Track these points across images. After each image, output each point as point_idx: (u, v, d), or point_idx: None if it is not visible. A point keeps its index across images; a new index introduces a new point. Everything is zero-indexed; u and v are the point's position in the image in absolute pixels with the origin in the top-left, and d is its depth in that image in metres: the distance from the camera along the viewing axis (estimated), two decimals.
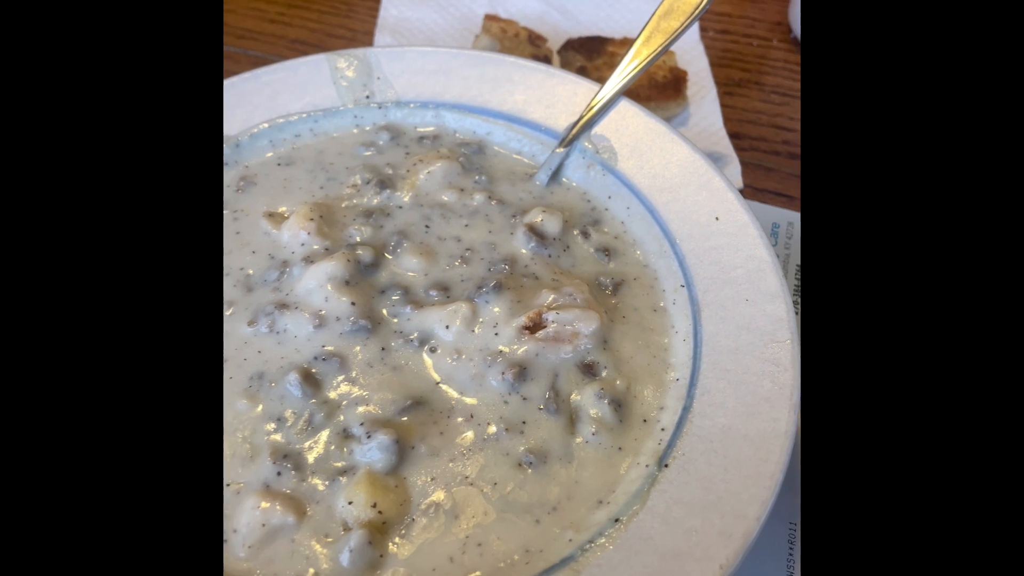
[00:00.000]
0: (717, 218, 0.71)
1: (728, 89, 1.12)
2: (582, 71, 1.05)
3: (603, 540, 0.53)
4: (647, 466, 0.57)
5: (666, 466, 0.57)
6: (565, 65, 1.07)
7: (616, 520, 0.54)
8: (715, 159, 0.99)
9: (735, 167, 0.97)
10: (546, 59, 1.07)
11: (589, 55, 1.07)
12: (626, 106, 0.81)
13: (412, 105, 0.86)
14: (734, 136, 1.03)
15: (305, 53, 1.18)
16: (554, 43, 1.12)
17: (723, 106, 1.07)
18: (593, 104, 0.80)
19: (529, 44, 1.08)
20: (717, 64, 1.15)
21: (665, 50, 0.82)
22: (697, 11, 0.82)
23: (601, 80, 0.85)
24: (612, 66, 1.06)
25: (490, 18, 1.10)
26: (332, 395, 0.62)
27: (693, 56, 1.14)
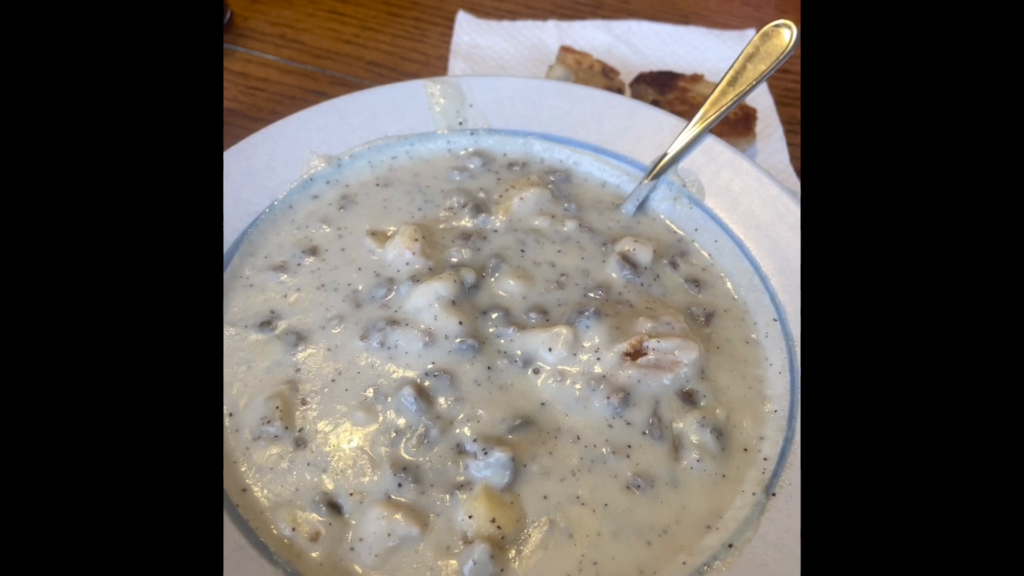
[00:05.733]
0: None
1: (792, 127, 1.15)
2: (654, 104, 1.08)
3: (719, 564, 0.55)
4: (753, 494, 0.59)
5: (773, 495, 0.59)
6: (637, 98, 1.10)
7: (730, 546, 0.56)
8: None
9: None
10: (619, 92, 1.10)
11: (661, 89, 1.10)
12: (712, 142, 0.84)
13: (502, 133, 0.89)
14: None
15: (381, 75, 1.23)
16: (624, 76, 1.16)
17: (788, 144, 1.10)
18: (680, 139, 0.83)
19: (603, 76, 1.12)
20: (780, 103, 1.19)
21: (752, 91, 0.85)
22: (783, 55, 0.85)
23: (674, 114, 0.88)
24: (684, 100, 1.10)
25: (565, 50, 1.14)
26: (444, 410, 0.64)
27: (758, 94, 1.17)
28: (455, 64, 1.20)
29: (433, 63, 1.24)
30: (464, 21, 1.28)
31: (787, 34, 0.85)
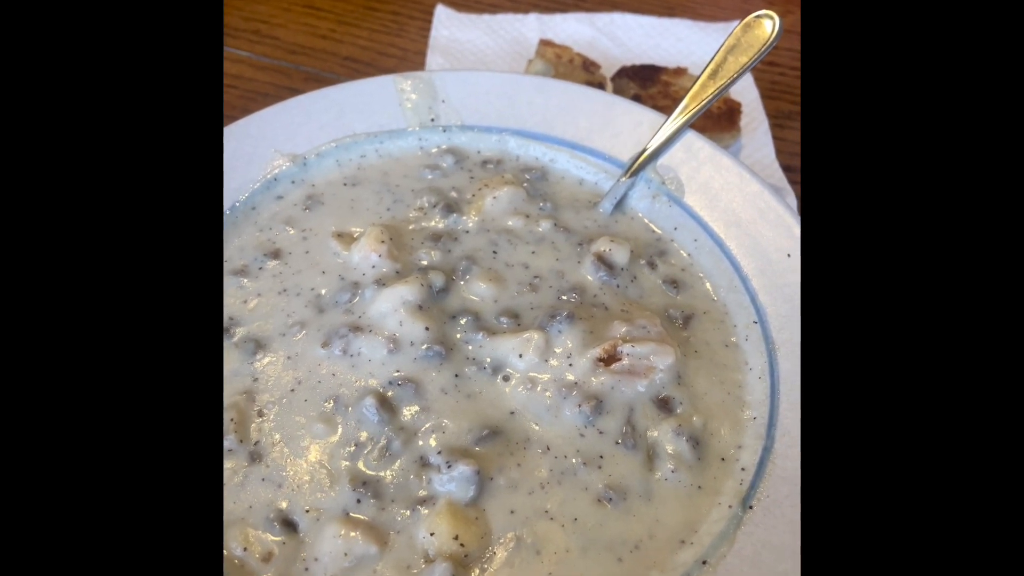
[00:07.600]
0: (788, 255, 0.70)
1: (778, 121, 1.12)
2: (636, 99, 1.05)
3: None
4: (730, 507, 0.57)
5: (751, 508, 0.56)
6: (619, 92, 1.07)
7: (704, 562, 0.53)
8: None
9: (791, 200, 0.97)
10: (600, 86, 1.07)
11: (643, 83, 1.07)
12: (692, 138, 0.81)
13: (476, 129, 0.86)
14: (786, 169, 1.03)
15: (357, 70, 1.20)
16: (606, 70, 1.13)
17: (774, 138, 1.08)
18: (659, 135, 0.80)
19: (583, 70, 1.08)
20: (766, 96, 1.16)
21: (733, 84, 0.82)
22: (765, 47, 0.83)
23: (656, 108, 0.85)
24: (667, 95, 1.07)
25: (545, 43, 1.11)
26: (408, 421, 0.61)
27: (743, 88, 1.14)
28: (433, 59, 1.17)
29: (411, 58, 1.21)
30: (443, 15, 1.24)
31: (769, 25, 0.82)
